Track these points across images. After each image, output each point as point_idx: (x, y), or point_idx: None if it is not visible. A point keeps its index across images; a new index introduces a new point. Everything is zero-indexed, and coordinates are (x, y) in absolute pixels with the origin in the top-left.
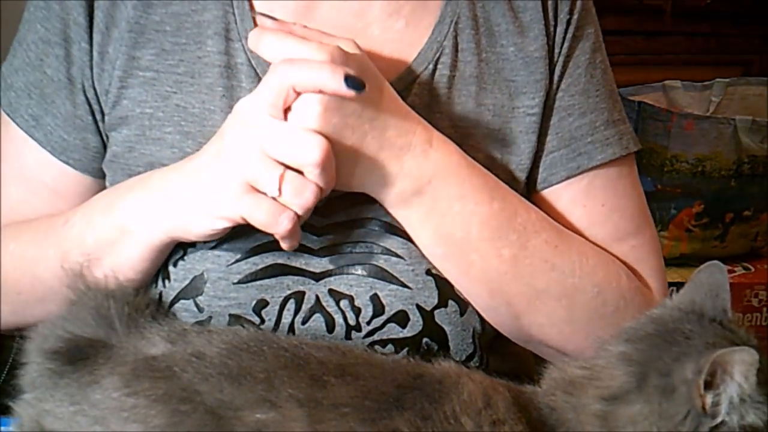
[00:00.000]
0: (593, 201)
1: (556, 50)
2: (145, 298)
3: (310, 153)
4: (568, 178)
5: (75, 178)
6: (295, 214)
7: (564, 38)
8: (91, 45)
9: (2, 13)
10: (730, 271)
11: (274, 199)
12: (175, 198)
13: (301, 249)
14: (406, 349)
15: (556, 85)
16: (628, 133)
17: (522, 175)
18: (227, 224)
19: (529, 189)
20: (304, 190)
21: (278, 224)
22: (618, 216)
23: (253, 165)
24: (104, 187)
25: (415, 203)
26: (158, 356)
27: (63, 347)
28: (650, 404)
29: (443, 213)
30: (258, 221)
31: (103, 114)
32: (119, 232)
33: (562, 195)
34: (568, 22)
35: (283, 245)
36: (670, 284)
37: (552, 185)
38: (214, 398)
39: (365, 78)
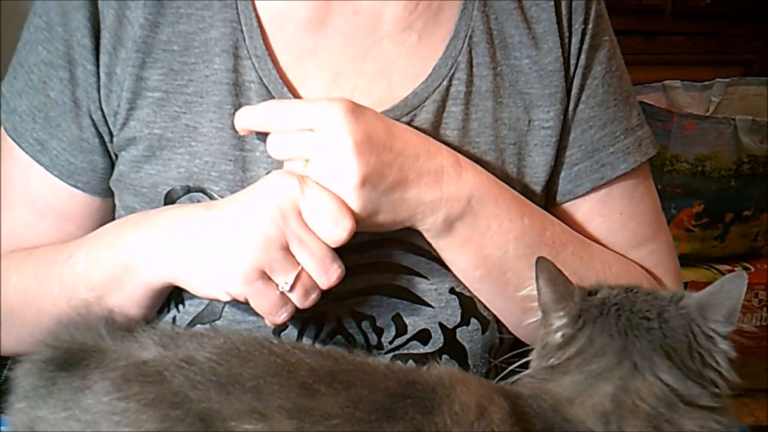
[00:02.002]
0: (611, 210)
1: (572, 62)
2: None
3: (332, 276)
4: (593, 189)
5: (83, 200)
6: (294, 308)
7: (580, 49)
8: (97, 67)
9: (2, 14)
10: (729, 271)
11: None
12: (184, 249)
13: None
14: (424, 360)
15: (576, 97)
16: (647, 137)
17: (537, 188)
18: (228, 299)
19: (547, 202)
20: (312, 293)
21: (278, 315)
22: (635, 223)
23: (276, 259)
24: (112, 206)
25: (458, 227)
26: (149, 361)
27: (55, 355)
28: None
29: (482, 234)
30: (260, 308)
31: (111, 135)
32: (123, 269)
33: (581, 206)
34: (584, 33)
35: (268, 323)
36: None
37: (577, 197)
38: (203, 407)
39: (376, 123)
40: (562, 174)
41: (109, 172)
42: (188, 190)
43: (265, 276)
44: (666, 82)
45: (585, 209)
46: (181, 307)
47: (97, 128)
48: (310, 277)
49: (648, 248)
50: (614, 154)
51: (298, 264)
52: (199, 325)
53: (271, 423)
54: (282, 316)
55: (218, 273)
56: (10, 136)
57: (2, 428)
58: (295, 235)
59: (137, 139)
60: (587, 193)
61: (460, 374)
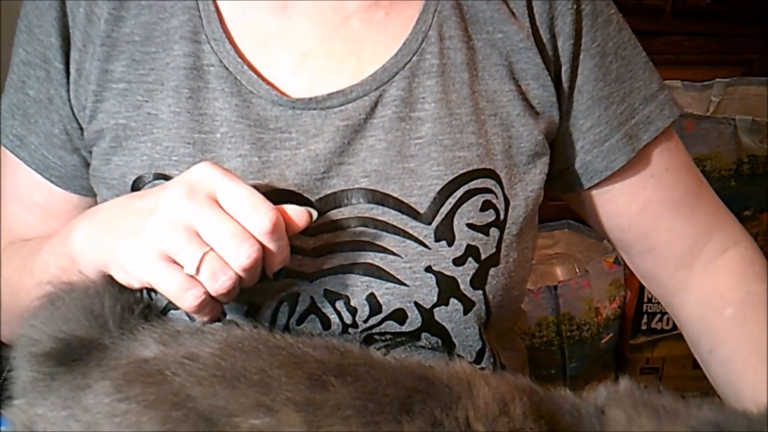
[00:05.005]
0: (657, 170)
1: (567, 43)
2: (134, 296)
3: (242, 256)
4: (628, 161)
5: (62, 196)
6: (205, 293)
7: (579, 30)
8: (65, 64)
9: (2, 14)
10: None
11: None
12: (108, 239)
13: (294, 250)
14: (402, 338)
15: (591, 76)
16: (669, 100)
17: (523, 158)
18: (139, 285)
19: (585, 183)
20: (220, 275)
21: (183, 299)
22: (683, 175)
23: (180, 240)
24: (94, 204)
25: None
26: (150, 359)
27: (55, 348)
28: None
29: None
30: (164, 291)
31: (82, 131)
32: (69, 260)
33: (627, 178)
34: (578, 12)
35: (182, 309)
36: None
37: (614, 172)
38: (208, 403)
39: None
40: (595, 152)
41: (80, 169)
42: (155, 177)
43: (169, 258)
44: (666, 82)
45: (632, 180)
46: (153, 293)
47: (64, 125)
48: (219, 258)
49: (709, 196)
50: (636, 125)
51: (206, 245)
52: (173, 311)
53: (278, 416)
54: (188, 301)
55: (127, 259)
56: None
57: (2, 428)
58: (203, 215)
59: (104, 131)
60: (624, 166)
61: (477, 371)
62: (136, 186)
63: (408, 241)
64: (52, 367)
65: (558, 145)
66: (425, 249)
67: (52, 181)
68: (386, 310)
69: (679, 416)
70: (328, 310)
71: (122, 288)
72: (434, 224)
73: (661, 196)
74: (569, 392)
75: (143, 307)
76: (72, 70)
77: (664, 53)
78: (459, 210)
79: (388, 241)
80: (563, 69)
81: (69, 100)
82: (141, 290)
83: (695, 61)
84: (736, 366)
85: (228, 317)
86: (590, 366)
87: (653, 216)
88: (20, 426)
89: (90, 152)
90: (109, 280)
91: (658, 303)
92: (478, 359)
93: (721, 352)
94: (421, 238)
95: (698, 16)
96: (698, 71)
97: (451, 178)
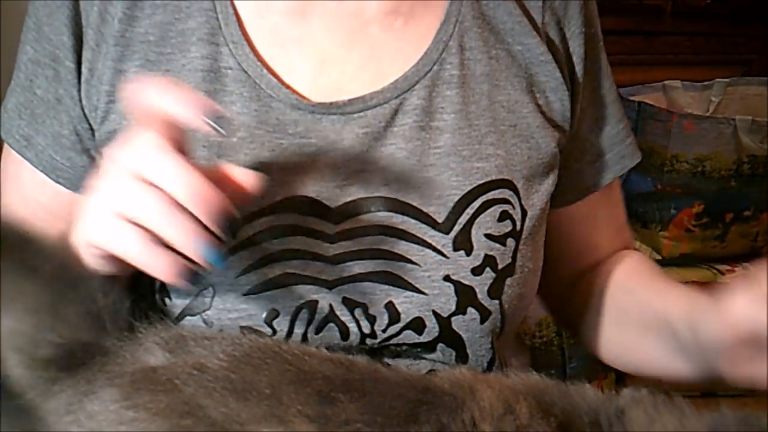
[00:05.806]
0: (617, 195)
1: (578, 62)
2: (132, 294)
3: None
4: (613, 179)
5: (68, 198)
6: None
7: (585, 51)
8: (77, 64)
9: (2, 14)
10: (729, 271)
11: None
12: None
13: (314, 257)
14: (418, 350)
15: (596, 99)
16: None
17: (540, 170)
18: (100, 257)
19: (568, 198)
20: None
21: (150, 259)
22: (622, 206)
23: (127, 191)
24: None
25: None
26: (158, 368)
27: (56, 354)
28: None
29: None
30: (126, 254)
31: (93, 131)
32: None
33: (600, 197)
34: (587, 35)
35: (155, 274)
36: None
37: (600, 188)
38: (219, 412)
39: None
40: (587, 169)
41: (89, 170)
42: None
43: (122, 216)
44: (666, 82)
45: (596, 199)
46: (167, 300)
47: (74, 125)
48: (172, 201)
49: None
50: (629, 146)
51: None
52: (189, 318)
53: (291, 426)
54: (154, 260)
55: (80, 232)
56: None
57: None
58: (147, 162)
59: (117, 131)
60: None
61: (479, 375)
62: None
63: (427, 250)
64: (54, 373)
65: (560, 159)
66: (444, 258)
67: (59, 182)
68: (405, 319)
69: (700, 414)
70: (346, 318)
71: (118, 285)
72: (452, 234)
73: (609, 216)
74: (590, 390)
75: (144, 306)
76: (84, 70)
77: (664, 53)
78: (477, 220)
79: (407, 249)
80: (579, 88)
81: (80, 101)
82: (154, 296)
83: (695, 61)
84: (641, 286)
85: (245, 324)
86: (590, 366)
87: (598, 231)
88: (19, 428)
89: (101, 153)
90: (105, 277)
91: None
92: (488, 369)
93: (628, 285)
94: (439, 247)
95: (698, 16)
96: (698, 71)
97: (469, 188)
